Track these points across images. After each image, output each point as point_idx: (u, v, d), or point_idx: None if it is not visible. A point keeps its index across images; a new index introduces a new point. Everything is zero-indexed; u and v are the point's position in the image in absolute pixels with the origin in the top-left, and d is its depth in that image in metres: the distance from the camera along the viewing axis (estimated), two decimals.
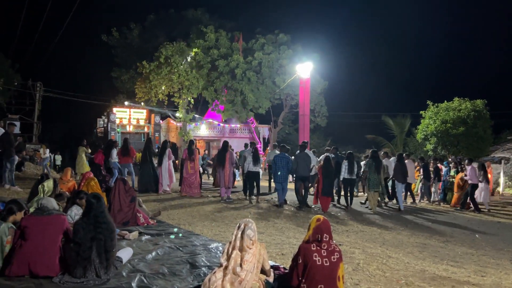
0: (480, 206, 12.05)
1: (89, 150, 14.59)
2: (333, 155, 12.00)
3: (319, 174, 10.88)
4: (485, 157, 21.19)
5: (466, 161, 12.87)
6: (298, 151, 11.21)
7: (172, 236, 6.58)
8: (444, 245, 7.21)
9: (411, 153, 22.09)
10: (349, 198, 11.32)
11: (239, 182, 15.85)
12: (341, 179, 11.48)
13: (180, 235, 6.78)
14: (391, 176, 12.16)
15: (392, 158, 12.89)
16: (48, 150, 18.59)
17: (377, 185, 10.96)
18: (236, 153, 15.07)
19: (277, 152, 12.42)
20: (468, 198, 12.16)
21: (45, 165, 18.02)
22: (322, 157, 11.63)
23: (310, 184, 11.96)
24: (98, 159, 13.07)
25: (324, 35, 53.78)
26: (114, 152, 12.72)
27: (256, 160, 11.20)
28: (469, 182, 12.02)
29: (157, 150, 14.08)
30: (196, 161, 12.12)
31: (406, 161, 12.14)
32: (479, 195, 12.08)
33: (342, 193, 12.11)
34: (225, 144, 11.64)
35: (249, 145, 13.31)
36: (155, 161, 12.69)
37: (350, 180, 11.23)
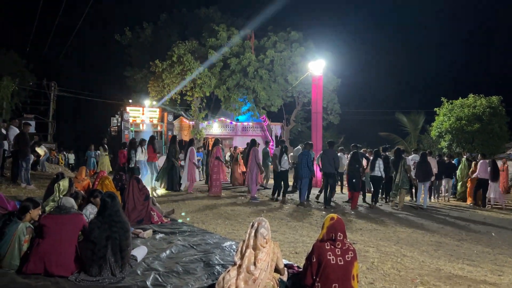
0: (495, 204, 12.40)
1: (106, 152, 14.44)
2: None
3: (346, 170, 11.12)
4: (501, 154, 20.90)
5: (479, 155, 13.14)
6: (327, 148, 11.24)
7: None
8: (459, 244, 7.13)
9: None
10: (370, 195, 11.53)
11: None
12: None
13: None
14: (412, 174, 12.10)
15: (411, 156, 12.87)
16: (43, 147, 18.34)
17: (405, 183, 11.04)
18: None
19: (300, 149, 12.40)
20: (476, 192, 12.46)
21: (42, 162, 17.60)
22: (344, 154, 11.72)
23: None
24: (121, 161, 12.83)
25: (336, 32, 53.41)
26: (139, 150, 12.49)
27: (280, 158, 11.08)
28: (478, 176, 12.22)
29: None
30: (212, 159, 11.89)
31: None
32: (492, 191, 12.15)
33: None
34: (253, 143, 11.63)
35: (268, 143, 13.29)
36: (180, 160, 12.69)
37: (375, 178, 11.17)
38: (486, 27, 58.77)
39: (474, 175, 12.52)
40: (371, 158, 11.43)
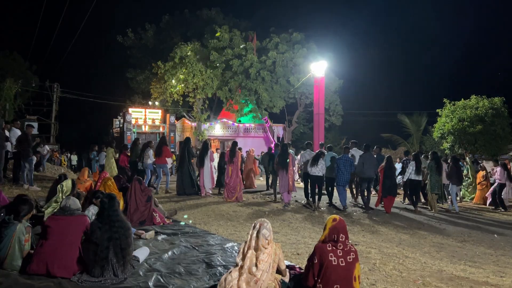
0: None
1: (117, 155, 13.62)
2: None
3: (380, 174, 10.97)
4: (503, 155, 20.86)
5: (493, 162, 13.83)
6: (363, 152, 11.15)
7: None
8: (462, 245, 7.12)
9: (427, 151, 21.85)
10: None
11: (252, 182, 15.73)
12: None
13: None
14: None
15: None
16: (46, 147, 18.32)
17: (438, 187, 11.11)
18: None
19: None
20: (496, 196, 12.64)
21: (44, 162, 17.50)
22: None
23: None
24: (122, 161, 12.70)
25: (339, 33, 53.48)
26: (150, 152, 12.25)
27: (314, 162, 10.57)
28: (498, 181, 12.54)
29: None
30: (237, 164, 11.44)
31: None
32: (505, 193, 12.49)
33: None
34: (286, 147, 10.97)
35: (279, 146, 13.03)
36: (193, 163, 12.38)
37: (417, 181, 11.12)
38: (488, 28, 58.71)
39: (497, 181, 12.66)
40: (413, 162, 11.22)
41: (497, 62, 53.05)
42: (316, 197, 10.66)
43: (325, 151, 11.38)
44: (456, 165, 11.67)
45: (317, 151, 11.18)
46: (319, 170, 10.51)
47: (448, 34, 60.00)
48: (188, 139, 12.52)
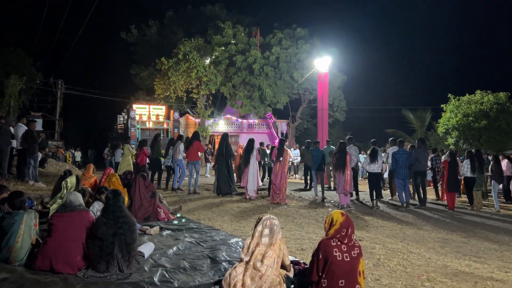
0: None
1: (134, 151, 12.93)
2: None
3: (445, 169, 11.09)
4: (508, 150, 20.79)
5: (501, 156, 13.86)
6: (417, 146, 11.20)
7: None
8: (466, 240, 7.10)
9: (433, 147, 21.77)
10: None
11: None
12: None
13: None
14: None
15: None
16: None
17: (480, 184, 11.14)
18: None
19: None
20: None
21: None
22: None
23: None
24: (140, 159, 12.10)
25: (342, 29, 53.30)
26: (181, 147, 11.77)
27: (373, 159, 10.37)
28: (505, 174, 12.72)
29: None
30: (285, 163, 10.60)
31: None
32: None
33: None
34: (344, 146, 10.10)
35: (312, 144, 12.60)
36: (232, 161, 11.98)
37: (472, 178, 11.06)
38: (494, 22, 58.34)
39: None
40: (467, 160, 11.14)
41: (502, 57, 52.76)
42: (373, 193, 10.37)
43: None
44: (498, 163, 11.79)
45: (372, 147, 10.64)
46: (378, 167, 10.48)
47: (453, 28, 59.68)
48: (226, 135, 11.76)
